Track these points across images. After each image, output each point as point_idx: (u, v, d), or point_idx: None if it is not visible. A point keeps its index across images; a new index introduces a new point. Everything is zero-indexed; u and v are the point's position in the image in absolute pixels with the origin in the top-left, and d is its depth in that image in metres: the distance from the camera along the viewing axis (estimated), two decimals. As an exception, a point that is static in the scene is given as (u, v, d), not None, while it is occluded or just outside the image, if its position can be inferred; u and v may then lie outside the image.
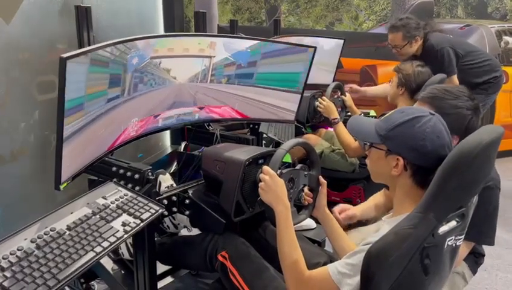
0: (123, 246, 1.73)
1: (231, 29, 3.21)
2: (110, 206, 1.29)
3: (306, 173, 1.50)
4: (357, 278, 1.04)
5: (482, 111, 3.19)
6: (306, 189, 1.50)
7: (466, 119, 1.44)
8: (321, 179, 1.49)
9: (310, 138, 2.84)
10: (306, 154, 1.55)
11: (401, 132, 1.11)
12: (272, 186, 1.32)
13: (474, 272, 1.70)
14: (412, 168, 1.12)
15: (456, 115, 1.42)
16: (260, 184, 1.36)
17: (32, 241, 1.08)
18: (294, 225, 1.39)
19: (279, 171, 1.40)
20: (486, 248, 1.73)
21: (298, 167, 1.50)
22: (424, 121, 1.10)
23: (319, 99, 2.60)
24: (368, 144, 1.20)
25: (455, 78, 2.85)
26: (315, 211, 1.48)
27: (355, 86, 3.04)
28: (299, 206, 1.51)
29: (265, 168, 1.37)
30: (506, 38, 4.42)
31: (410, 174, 1.13)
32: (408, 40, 2.78)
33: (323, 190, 1.48)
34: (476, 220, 1.32)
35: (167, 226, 1.76)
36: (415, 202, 1.08)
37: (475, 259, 1.69)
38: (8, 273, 0.98)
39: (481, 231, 1.54)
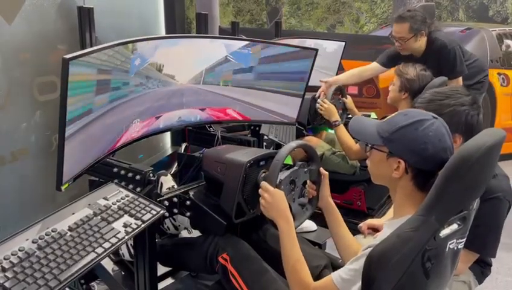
0: (124, 247, 1.73)
1: (232, 31, 3.22)
2: (112, 207, 1.29)
3: (306, 169, 1.49)
4: (359, 283, 1.04)
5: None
6: (308, 182, 1.50)
7: (462, 115, 1.41)
8: (322, 170, 1.49)
9: (311, 140, 2.84)
10: (306, 155, 1.55)
11: (404, 135, 1.11)
12: (272, 202, 1.33)
13: (480, 282, 1.69)
14: (413, 171, 1.12)
15: (450, 113, 1.39)
16: (260, 201, 1.36)
17: (33, 242, 1.08)
18: (300, 223, 1.40)
19: (278, 180, 1.40)
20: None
21: (297, 165, 1.50)
22: (427, 124, 1.09)
23: (320, 101, 2.60)
24: (369, 145, 1.20)
25: (461, 79, 2.83)
26: (319, 201, 1.48)
27: (328, 79, 2.86)
28: (303, 206, 1.51)
29: (263, 185, 1.36)
30: (507, 41, 4.42)
31: (411, 177, 1.12)
32: (414, 33, 2.67)
33: (326, 181, 1.48)
34: (481, 231, 1.31)
35: (167, 227, 1.76)
36: (415, 205, 1.08)
37: (481, 269, 1.68)
38: (9, 274, 0.98)
39: (485, 242, 1.53)
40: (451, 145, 1.11)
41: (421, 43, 2.74)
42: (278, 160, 1.39)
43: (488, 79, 3.14)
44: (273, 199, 1.33)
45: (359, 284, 1.05)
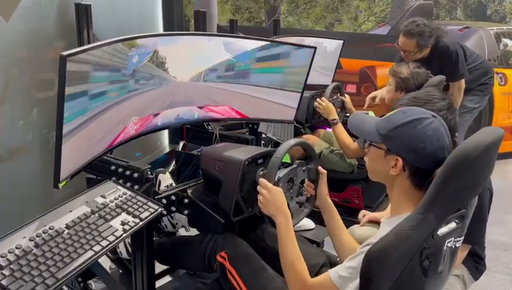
0: (121, 245, 1.72)
1: (231, 29, 3.21)
2: (109, 205, 1.28)
3: (304, 168, 1.49)
4: (357, 281, 1.04)
5: (475, 113, 3.18)
6: (307, 181, 1.50)
7: None
8: (320, 169, 1.49)
9: (309, 138, 2.84)
10: (304, 153, 1.54)
11: (402, 133, 1.11)
12: (270, 199, 1.32)
13: (475, 278, 1.69)
14: (410, 169, 1.12)
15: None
16: (259, 197, 1.36)
17: (30, 240, 1.07)
18: (298, 221, 1.39)
19: (276, 177, 1.40)
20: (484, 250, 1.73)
21: (295, 164, 1.49)
22: (426, 123, 1.09)
23: (318, 100, 2.59)
24: (368, 142, 1.20)
25: (463, 81, 2.85)
26: (317, 200, 1.48)
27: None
28: (301, 204, 1.51)
29: (262, 181, 1.36)
30: (505, 40, 4.43)
31: (408, 175, 1.12)
32: (420, 48, 2.71)
33: (324, 179, 1.48)
34: (470, 223, 1.33)
35: (165, 225, 1.76)
36: (412, 203, 1.08)
37: (475, 264, 1.69)
38: (6, 272, 0.98)
39: (473, 232, 1.54)
40: (450, 144, 1.11)
41: (426, 52, 2.77)
42: (277, 157, 1.39)
43: (493, 81, 3.14)
44: (271, 196, 1.32)
45: (357, 281, 1.05)
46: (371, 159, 1.21)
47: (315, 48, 2.04)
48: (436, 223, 0.98)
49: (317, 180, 1.49)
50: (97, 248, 1.13)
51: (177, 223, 1.75)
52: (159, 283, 1.77)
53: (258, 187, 1.37)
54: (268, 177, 1.36)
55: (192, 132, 2.14)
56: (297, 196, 1.50)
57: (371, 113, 3.11)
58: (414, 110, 1.16)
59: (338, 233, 1.43)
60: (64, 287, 1.06)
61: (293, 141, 1.46)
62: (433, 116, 1.12)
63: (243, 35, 2.12)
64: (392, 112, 1.18)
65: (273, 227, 1.34)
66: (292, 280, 1.23)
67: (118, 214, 1.27)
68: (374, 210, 2.87)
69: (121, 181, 1.48)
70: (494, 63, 4.27)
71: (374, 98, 2.83)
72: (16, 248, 1.04)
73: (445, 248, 1.06)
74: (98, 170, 1.58)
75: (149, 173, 1.52)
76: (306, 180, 1.50)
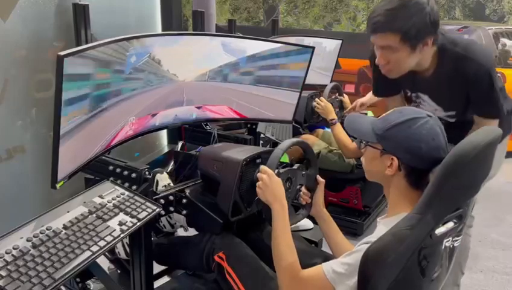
0: (119, 246, 1.72)
1: (229, 29, 3.21)
2: (107, 205, 1.28)
3: (303, 172, 1.50)
4: (354, 279, 1.04)
5: None
6: (303, 188, 1.50)
7: (426, 18, 1.46)
8: (319, 178, 1.49)
9: (308, 138, 2.84)
10: (303, 154, 1.55)
11: (397, 133, 1.12)
12: (269, 185, 1.33)
13: None
14: (406, 169, 1.12)
15: (418, 22, 1.43)
16: (258, 183, 1.36)
17: (28, 240, 1.07)
18: (291, 224, 1.39)
19: (276, 171, 1.40)
20: (482, 250, 1.72)
21: (296, 166, 1.50)
22: (421, 122, 1.10)
23: (317, 99, 2.60)
24: (364, 142, 1.21)
25: None
26: (312, 209, 1.49)
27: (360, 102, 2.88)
28: (296, 207, 1.51)
29: (263, 167, 1.37)
30: (503, 40, 4.44)
31: (404, 175, 1.13)
32: None
33: (321, 189, 1.48)
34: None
35: (163, 225, 1.76)
36: (409, 203, 1.09)
37: None
38: (3, 272, 0.97)
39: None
40: (446, 144, 1.11)
41: None
42: (281, 149, 1.40)
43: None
44: (271, 183, 1.33)
45: (352, 279, 1.05)
46: (367, 159, 1.21)
47: (313, 48, 2.04)
48: (434, 223, 0.99)
49: (314, 189, 1.49)
50: (95, 248, 1.13)
51: (175, 223, 1.74)
52: (157, 283, 1.76)
53: (258, 174, 1.37)
54: (269, 166, 1.37)
55: (190, 132, 2.14)
56: (294, 199, 1.50)
57: (370, 114, 3.11)
58: (410, 110, 1.16)
59: (336, 241, 1.44)
60: (62, 287, 1.06)
61: (297, 139, 1.48)
62: (428, 115, 1.12)
63: (241, 35, 2.12)
64: (389, 111, 1.18)
65: (269, 223, 1.33)
66: (283, 270, 1.22)
67: (116, 214, 1.26)
68: (373, 210, 2.88)
69: (119, 181, 1.47)
70: (492, 63, 4.28)
71: (362, 105, 2.81)
72: (13, 248, 1.03)
73: (443, 247, 1.06)
74: (96, 170, 1.58)
75: (147, 173, 1.52)
76: (303, 188, 1.50)
